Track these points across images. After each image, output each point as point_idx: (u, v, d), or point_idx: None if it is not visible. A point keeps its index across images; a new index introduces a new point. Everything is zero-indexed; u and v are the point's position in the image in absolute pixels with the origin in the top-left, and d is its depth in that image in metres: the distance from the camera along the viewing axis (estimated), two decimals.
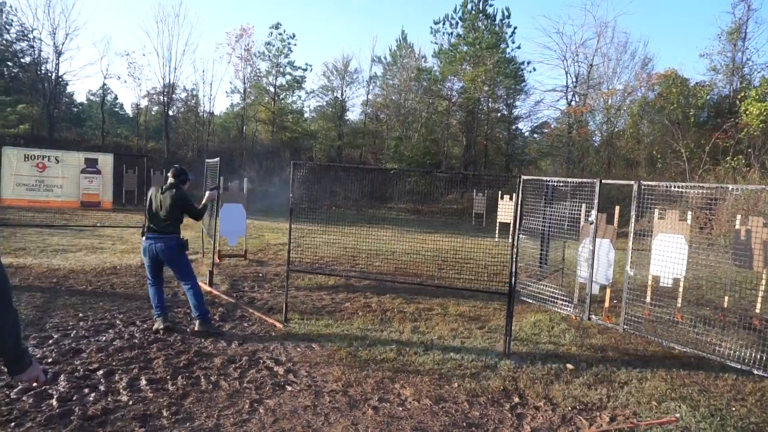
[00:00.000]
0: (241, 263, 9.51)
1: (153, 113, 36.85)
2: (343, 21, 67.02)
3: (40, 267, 8.17)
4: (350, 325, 6.05)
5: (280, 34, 33.96)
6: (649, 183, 4.76)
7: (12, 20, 29.88)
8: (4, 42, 30.30)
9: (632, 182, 4.65)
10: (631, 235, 4.82)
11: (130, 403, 3.74)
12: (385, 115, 35.73)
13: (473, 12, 34.22)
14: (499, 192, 16.83)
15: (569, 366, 5.02)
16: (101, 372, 4.22)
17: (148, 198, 5.57)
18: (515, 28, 34.04)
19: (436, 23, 35.81)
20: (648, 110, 26.72)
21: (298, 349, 5.11)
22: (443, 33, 35.78)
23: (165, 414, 3.60)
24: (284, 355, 4.94)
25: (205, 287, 7.41)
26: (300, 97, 36.71)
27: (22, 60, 31.29)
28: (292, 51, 34.77)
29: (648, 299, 6.66)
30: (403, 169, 27.70)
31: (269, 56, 34.22)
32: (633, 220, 4.72)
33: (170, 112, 32.13)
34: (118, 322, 5.61)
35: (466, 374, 4.68)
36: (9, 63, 31.20)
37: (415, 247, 11.56)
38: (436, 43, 36.17)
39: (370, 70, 36.83)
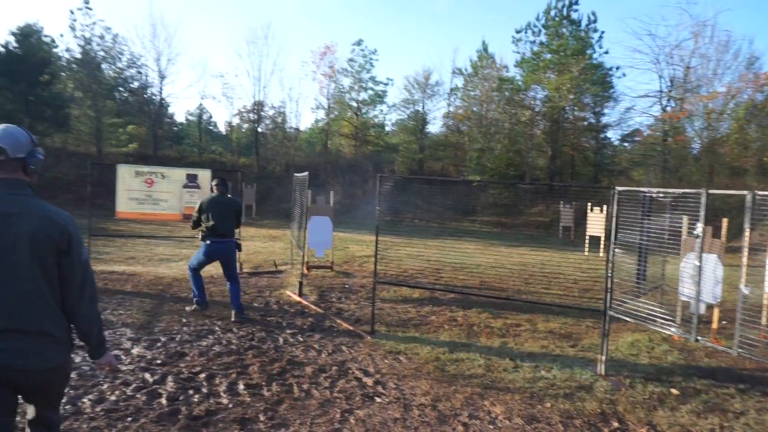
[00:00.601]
0: (328, 274, 9.77)
1: (243, 130, 39.02)
2: (423, 35, 67.58)
3: (149, 275, 8.84)
4: (437, 339, 6.02)
5: (362, 50, 34.90)
6: (765, 193, 4.35)
7: (123, 50, 32.94)
8: (117, 69, 33.43)
9: (745, 192, 4.27)
10: (746, 250, 4.43)
11: (230, 406, 3.93)
12: (466, 126, 35.48)
13: (557, 18, 33.28)
14: (588, 204, 16.10)
15: (674, 391, 4.67)
16: (203, 375, 4.48)
17: (208, 206, 6.28)
18: (602, 32, 32.70)
19: (517, 32, 35.20)
20: (756, 113, 24.57)
21: (386, 361, 5.15)
22: (525, 41, 35.06)
23: (262, 419, 3.74)
24: (372, 366, 4.99)
25: (295, 297, 7.68)
26: (382, 111, 37.40)
27: (131, 85, 34.40)
28: (373, 66, 35.59)
29: (764, 321, 6.07)
30: (486, 180, 27.29)
31: (352, 72, 35.22)
32: (747, 233, 4.34)
33: (259, 129, 33.86)
34: (216, 328, 5.94)
35: (559, 394, 4.49)
36: (120, 88, 34.36)
37: (500, 260, 11.33)
38: (518, 52, 35.52)
39: (451, 81, 36.86)
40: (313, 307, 7.22)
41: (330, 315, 6.85)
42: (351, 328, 6.25)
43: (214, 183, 6.65)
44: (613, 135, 35.71)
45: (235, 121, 37.48)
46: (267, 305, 7.22)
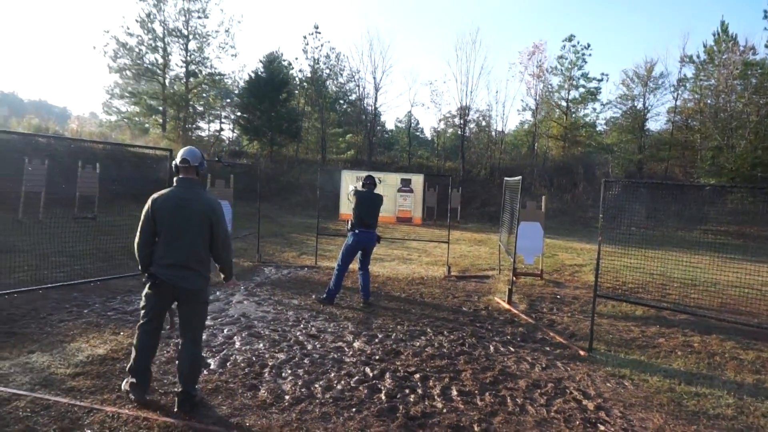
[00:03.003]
0: (537, 283, 9.36)
1: (448, 135, 39.99)
2: (646, 21, 61.06)
3: None
4: (668, 366, 5.28)
5: (573, 46, 32.93)
6: None
7: (344, 66, 36.51)
8: (338, 84, 37.19)
9: None
10: None
11: (444, 410, 3.96)
12: (697, 122, 30.92)
13: None
14: None
15: None
16: (418, 376, 4.61)
17: (362, 200, 7.09)
18: None
19: None
20: None
21: (608, 385, 4.68)
22: None
23: (476, 429, 3.69)
24: (592, 388, 4.57)
25: (504, 304, 7.50)
26: (594, 109, 34.72)
27: (350, 98, 37.90)
28: (586, 62, 33.22)
29: None
30: (724, 184, 23.42)
31: (562, 70, 33.46)
32: None
33: (465, 134, 34.30)
34: (428, 330, 6.09)
35: None
36: (341, 101, 38.11)
37: (745, 279, 9.53)
38: None
39: (679, 72, 32.36)
40: (523, 316, 6.96)
41: (542, 326, 6.52)
42: (566, 342, 5.85)
43: (369, 181, 7.34)
44: None
45: (441, 126, 38.65)
46: (476, 311, 7.18)
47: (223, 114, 39.52)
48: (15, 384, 3.90)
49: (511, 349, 5.57)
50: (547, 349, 5.64)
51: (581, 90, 33.68)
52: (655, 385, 4.71)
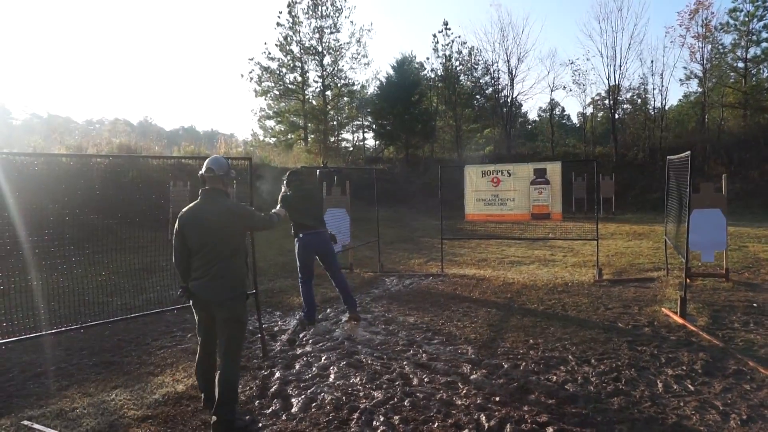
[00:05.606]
0: (721, 286, 7.30)
1: (598, 119, 36.20)
2: None
3: (497, 280, 8.32)
4: None
5: None
6: None
7: (479, 60, 34.96)
8: (473, 78, 35.70)
9: None
10: None
11: None
12: None
13: None
14: None
15: None
16: (551, 430, 3.39)
17: (290, 205, 5.79)
18: None
19: None
20: None
21: None
22: None
23: None
24: None
25: (675, 318, 5.80)
26: None
27: (486, 92, 36.14)
28: None
29: None
30: None
31: (736, 25, 28.21)
32: None
33: (616, 115, 30.63)
34: (570, 356, 4.76)
35: None
36: (477, 96, 36.51)
37: None
38: None
39: None
40: (703, 335, 5.24)
41: (734, 351, 4.78)
42: None
43: (298, 176, 6.18)
44: None
45: (589, 110, 35.08)
46: (636, 328, 5.60)
47: (365, 123, 40.18)
48: (80, 430, 3.53)
49: (690, 386, 4.04)
50: (747, 388, 3.99)
51: (764, 45, 28.11)
52: None
